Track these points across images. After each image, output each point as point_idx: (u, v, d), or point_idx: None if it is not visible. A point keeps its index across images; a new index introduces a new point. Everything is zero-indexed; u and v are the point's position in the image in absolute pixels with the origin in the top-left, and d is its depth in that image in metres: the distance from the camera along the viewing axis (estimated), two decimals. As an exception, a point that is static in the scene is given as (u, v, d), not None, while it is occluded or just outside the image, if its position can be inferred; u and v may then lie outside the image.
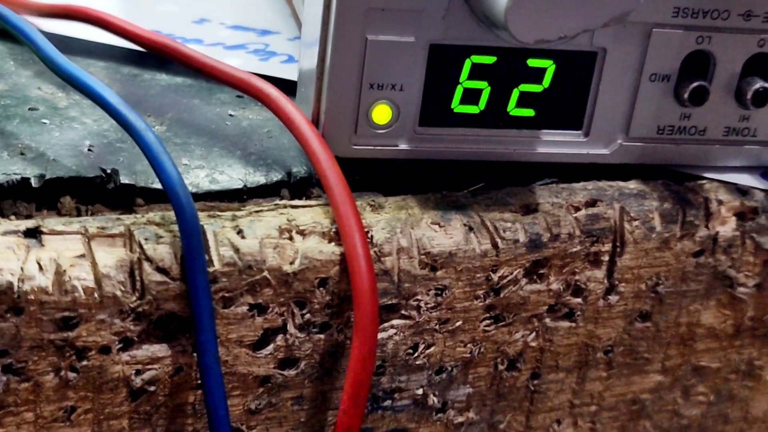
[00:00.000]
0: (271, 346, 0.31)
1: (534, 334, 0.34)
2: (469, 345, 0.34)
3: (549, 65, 0.34)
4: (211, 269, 0.30)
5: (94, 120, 0.35)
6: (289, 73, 0.39)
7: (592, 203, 0.34)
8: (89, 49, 0.41)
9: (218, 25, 0.44)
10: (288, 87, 0.35)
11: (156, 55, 0.39)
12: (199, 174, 0.33)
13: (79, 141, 0.34)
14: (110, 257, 0.29)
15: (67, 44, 0.39)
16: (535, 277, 0.34)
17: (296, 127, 0.33)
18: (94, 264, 0.29)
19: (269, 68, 0.40)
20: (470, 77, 0.34)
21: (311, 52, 0.33)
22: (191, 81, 0.39)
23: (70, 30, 0.41)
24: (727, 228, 0.36)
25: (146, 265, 0.29)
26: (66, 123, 0.35)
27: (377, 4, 0.32)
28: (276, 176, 0.34)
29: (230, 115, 0.37)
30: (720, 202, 0.36)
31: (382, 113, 0.33)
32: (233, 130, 0.36)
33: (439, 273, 0.32)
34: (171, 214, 0.31)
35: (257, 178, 0.33)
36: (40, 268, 0.29)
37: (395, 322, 0.33)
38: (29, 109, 0.36)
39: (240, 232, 0.31)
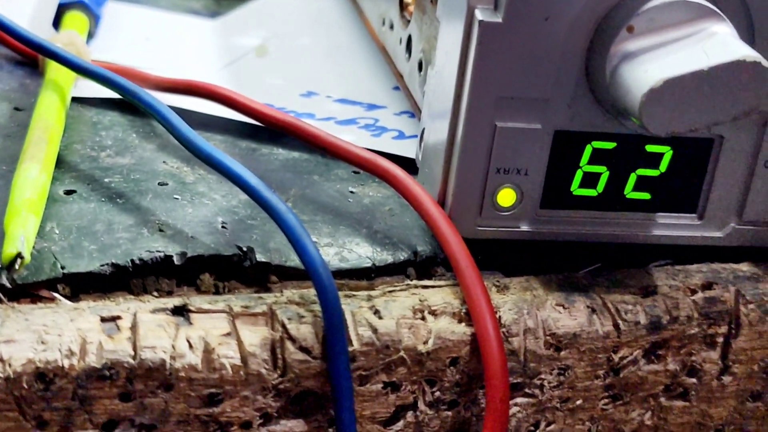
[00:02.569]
0: (401, 423, 0.32)
1: (650, 412, 0.35)
2: (587, 423, 0.35)
3: (666, 151, 0.35)
4: (350, 348, 0.31)
5: (223, 196, 0.37)
6: (401, 149, 0.41)
7: (708, 286, 0.35)
8: (205, 122, 0.42)
9: (325, 98, 0.46)
10: (400, 162, 0.36)
11: (270, 129, 0.40)
12: (329, 252, 0.34)
13: (212, 217, 0.35)
14: (255, 336, 0.30)
15: (185, 118, 0.40)
16: (653, 357, 0.34)
17: (425, 209, 0.34)
18: (240, 342, 0.30)
19: (382, 144, 0.41)
20: (590, 162, 0.35)
21: (437, 136, 0.35)
22: (307, 155, 0.41)
23: (185, 103, 0.42)
24: (836, 311, 0.36)
25: (289, 344, 0.31)
26: (197, 199, 0.36)
27: (507, 93, 0.33)
28: (402, 255, 0.35)
29: (351, 191, 0.38)
30: (830, 285, 0.37)
31: (506, 196, 0.34)
32: (356, 207, 0.37)
33: (563, 353, 0.33)
34: (309, 293, 0.32)
35: (385, 257, 0.35)
36: (190, 346, 0.30)
37: (519, 400, 0.33)
38: (159, 183, 0.37)
39: (377, 312, 0.32)
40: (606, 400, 0.35)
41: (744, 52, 0.31)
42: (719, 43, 0.31)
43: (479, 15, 0.32)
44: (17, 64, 0.46)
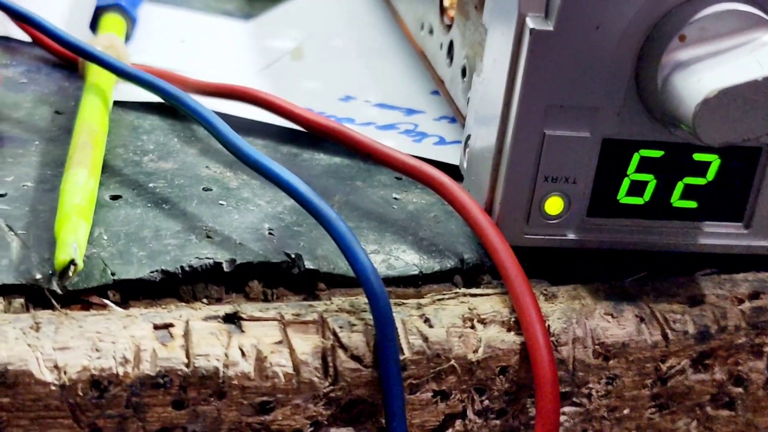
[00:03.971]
0: (450, 431, 0.32)
1: (695, 422, 0.35)
2: (633, 432, 0.35)
3: (714, 159, 0.35)
4: (401, 357, 0.31)
5: (267, 202, 0.37)
6: (443, 154, 0.40)
7: (755, 295, 0.35)
8: (245, 126, 0.42)
9: (363, 102, 0.46)
10: (442, 168, 0.36)
11: (309, 134, 0.40)
12: (376, 259, 0.34)
13: (259, 224, 0.35)
14: (306, 344, 0.30)
15: (226, 122, 0.40)
16: (700, 367, 0.34)
17: (473, 217, 0.34)
18: (292, 350, 0.30)
19: (423, 150, 0.41)
20: (638, 170, 0.35)
21: (484, 143, 0.35)
22: (348, 161, 0.40)
23: (226, 107, 0.42)
24: None
25: (340, 352, 0.31)
26: (242, 204, 0.36)
27: (557, 101, 0.33)
28: (449, 263, 0.35)
29: (395, 198, 0.38)
30: None
31: (554, 204, 0.34)
32: (400, 214, 0.37)
33: (611, 362, 0.33)
34: (359, 301, 0.32)
35: (431, 265, 0.35)
36: (243, 354, 0.30)
37: (567, 409, 0.33)
38: (203, 189, 0.37)
39: (427, 320, 0.32)
40: (653, 410, 0.35)
41: (798, 62, 0.30)
42: (773, 53, 0.31)
43: (531, 23, 0.32)
44: (54, 67, 0.46)
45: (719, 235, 0.36)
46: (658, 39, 0.32)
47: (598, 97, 0.33)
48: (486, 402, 0.32)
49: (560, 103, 0.33)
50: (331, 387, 0.30)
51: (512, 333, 0.32)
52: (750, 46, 0.31)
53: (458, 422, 0.32)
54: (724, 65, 0.31)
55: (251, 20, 0.55)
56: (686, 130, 0.31)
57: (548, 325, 0.33)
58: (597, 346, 0.33)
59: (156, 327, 0.30)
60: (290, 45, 0.51)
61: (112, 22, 0.47)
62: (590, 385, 0.33)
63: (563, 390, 0.33)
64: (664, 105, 0.32)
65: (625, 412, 0.34)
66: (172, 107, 0.40)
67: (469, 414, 0.32)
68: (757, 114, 0.31)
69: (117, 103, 0.43)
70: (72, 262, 0.30)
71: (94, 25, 0.48)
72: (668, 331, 0.34)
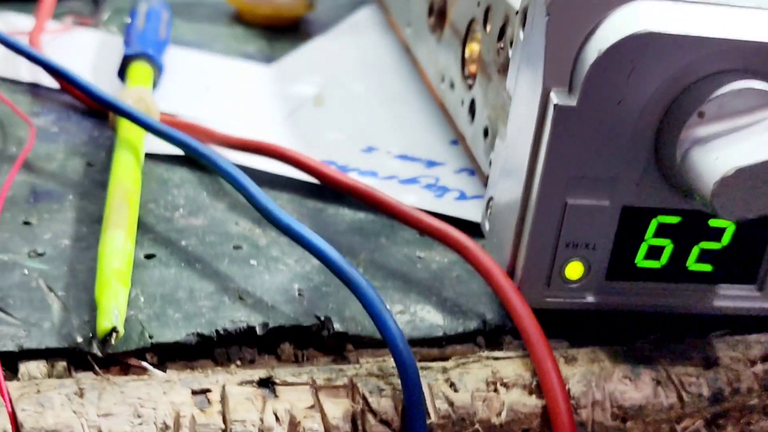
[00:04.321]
0: (474, 492, 0.34)
1: (709, 479, 0.36)
2: (649, 490, 0.36)
3: (729, 225, 0.36)
4: (428, 421, 0.32)
5: (296, 261, 0.38)
6: (464, 210, 0.42)
7: (767, 358, 0.36)
8: (272, 180, 0.43)
9: (385, 153, 0.47)
10: (463, 225, 0.38)
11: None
12: (402, 320, 0.36)
13: (289, 284, 0.36)
14: (337, 408, 0.32)
15: (252, 176, 0.41)
16: (714, 427, 0.36)
17: (495, 280, 0.35)
18: (323, 415, 0.31)
19: (445, 206, 0.42)
20: (655, 235, 0.36)
21: (507, 209, 0.36)
22: (372, 216, 0.42)
23: (252, 161, 0.43)
24: None
25: (370, 417, 0.32)
26: (272, 264, 0.37)
27: (578, 172, 0.34)
28: (472, 324, 0.36)
29: (419, 257, 0.39)
30: None
31: (574, 270, 0.36)
32: (424, 273, 0.38)
33: (628, 424, 0.34)
34: (387, 365, 0.33)
35: (455, 326, 0.36)
36: (277, 418, 0.31)
37: (585, 468, 0.35)
38: (234, 247, 0.38)
39: (452, 385, 0.33)
40: (668, 468, 0.36)
41: (813, 142, 0.32)
42: (789, 132, 0.32)
43: (555, 99, 0.33)
44: (84, 114, 0.48)
45: (733, 297, 0.37)
46: (677, 114, 0.33)
47: (618, 169, 0.34)
48: (508, 463, 0.34)
49: (582, 174, 0.34)
50: (361, 450, 0.32)
51: (534, 396, 0.33)
52: (766, 123, 0.33)
53: (481, 483, 0.34)
54: (742, 143, 0.32)
55: (273, 64, 0.56)
56: (703, 203, 0.32)
57: (568, 389, 0.34)
58: (615, 409, 0.34)
59: (194, 392, 0.31)
60: (312, 90, 0.53)
61: (141, 71, 0.48)
62: (608, 446, 0.35)
63: (582, 451, 0.34)
64: (682, 178, 0.33)
65: (642, 470, 0.35)
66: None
67: (492, 474, 0.34)
68: (773, 192, 0.32)
69: (147, 155, 0.44)
70: (114, 329, 0.31)
71: (122, 73, 0.49)
72: (683, 393, 0.35)
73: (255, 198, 0.37)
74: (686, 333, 0.37)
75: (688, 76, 0.33)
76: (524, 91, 0.35)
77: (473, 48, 0.44)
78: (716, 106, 0.33)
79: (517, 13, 0.37)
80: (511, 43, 0.38)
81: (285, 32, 0.61)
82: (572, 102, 0.33)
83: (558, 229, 0.35)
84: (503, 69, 0.39)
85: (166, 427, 0.30)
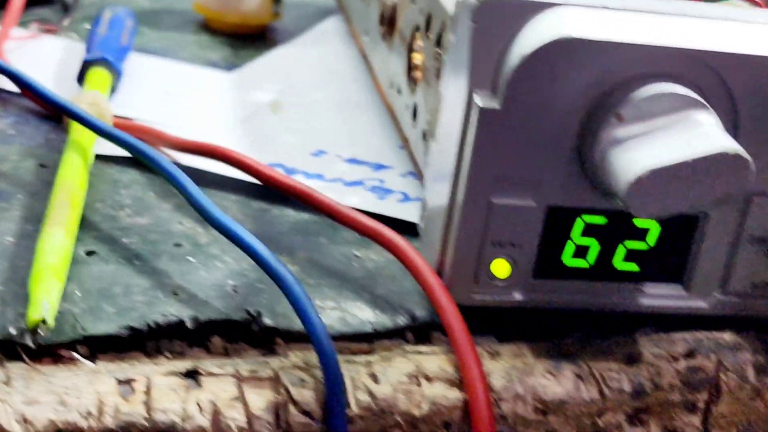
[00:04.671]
0: (396, 483, 0.34)
1: (633, 474, 0.37)
2: (573, 483, 0.37)
3: (654, 226, 0.37)
4: (349, 412, 0.33)
5: (234, 258, 0.39)
6: (405, 212, 0.43)
7: (690, 354, 0.37)
8: (221, 182, 0.44)
9: (335, 157, 0.48)
10: (404, 226, 0.39)
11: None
12: (333, 316, 0.37)
13: (224, 281, 0.37)
14: (260, 399, 0.33)
15: (200, 177, 0.42)
16: (636, 421, 0.36)
17: (423, 278, 0.36)
18: (246, 406, 0.32)
19: (387, 207, 0.43)
20: (582, 235, 0.37)
21: (437, 208, 0.37)
22: (316, 217, 0.43)
23: (204, 164, 0.44)
24: (814, 379, 0.38)
25: (292, 408, 0.33)
26: (209, 261, 0.38)
27: (503, 173, 0.35)
28: (401, 321, 0.37)
29: (356, 255, 0.40)
30: (809, 355, 0.39)
31: (501, 268, 0.36)
32: (360, 271, 0.39)
33: (550, 418, 0.35)
34: (311, 357, 0.34)
35: (385, 322, 0.37)
36: (200, 409, 0.32)
37: (508, 462, 0.36)
38: (174, 245, 0.39)
39: (374, 377, 0.34)
40: (591, 462, 0.37)
41: (726, 143, 0.33)
42: (703, 135, 0.33)
43: (478, 101, 0.34)
44: (42, 119, 0.49)
45: (660, 296, 0.38)
46: (597, 117, 0.34)
47: (542, 170, 0.35)
48: (431, 454, 0.34)
49: (507, 175, 0.35)
50: (283, 440, 0.33)
51: (456, 390, 0.34)
52: (682, 126, 0.34)
53: (404, 474, 0.34)
54: (657, 145, 0.33)
55: (234, 71, 0.57)
56: (620, 202, 0.33)
57: (490, 382, 0.35)
58: (537, 403, 0.35)
59: (120, 382, 0.32)
60: (270, 97, 0.54)
61: (99, 76, 0.50)
62: (531, 440, 0.35)
63: (505, 444, 0.35)
64: (602, 178, 0.34)
65: (565, 464, 0.36)
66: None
67: (415, 466, 0.34)
68: (685, 191, 0.33)
69: (100, 157, 0.45)
70: (43, 321, 0.32)
71: (81, 78, 0.50)
72: (604, 388, 0.36)
73: (191, 195, 0.38)
74: (613, 331, 0.38)
75: (608, 80, 0.34)
76: (452, 94, 0.36)
77: (417, 55, 0.45)
78: (634, 108, 0.34)
79: (451, 19, 0.38)
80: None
81: (251, 40, 0.62)
82: (496, 105, 0.34)
83: (484, 228, 0.36)
84: (440, 74, 0.40)
85: (90, 414, 0.31)
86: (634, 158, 0.33)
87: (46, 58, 0.55)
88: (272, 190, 0.44)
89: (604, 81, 0.34)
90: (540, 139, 0.35)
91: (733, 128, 0.35)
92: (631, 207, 0.33)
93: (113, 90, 0.51)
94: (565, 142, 0.35)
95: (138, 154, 0.41)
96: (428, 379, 0.34)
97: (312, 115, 0.52)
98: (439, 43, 0.41)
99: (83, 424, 0.31)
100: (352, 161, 0.48)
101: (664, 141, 0.33)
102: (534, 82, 0.34)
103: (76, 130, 0.43)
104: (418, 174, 0.44)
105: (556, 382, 0.35)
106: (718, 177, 0.33)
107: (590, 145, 0.35)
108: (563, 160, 0.35)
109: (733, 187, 0.33)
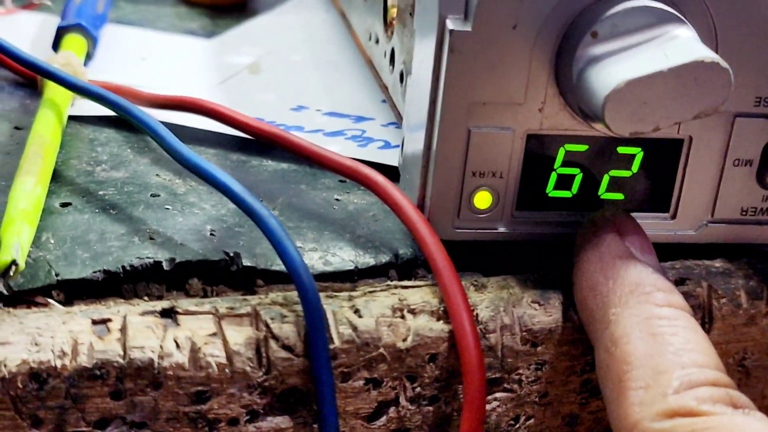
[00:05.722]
0: (384, 418, 0.34)
1: (627, 405, 0.36)
2: (566, 417, 0.36)
3: (638, 152, 0.36)
4: (331, 346, 0.32)
5: (212, 205, 0.38)
6: (387, 158, 0.42)
7: (681, 282, 0.36)
8: (197, 137, 0.43)
9: (315, 111, 0.47)
10: (386, 171, 0.38)
11: (261, 142, 0.42)
12: (313, 256, 0.36)
13: (201, 226, 0.37)
14: (240, 335, 0.32)
15: (177, 132, 0.41)
16: (628, 351, 0.36)
17: (404, 212, 0.35)
18: (225, 342, 0.32)
19: (368, 154, 0.42)
20: (564, 164, 0.36)
21: (416, 142, 0.36)
22: (296, 167, 0.42)
23: (179, 119, 0.44)
24: (809, 304, 0.38)
25: (272, 343, 0.32)
26: (187, 209, 0.38)
27: (479, 98, 0.34)
28: (384, 258, 0.36)
29: (336, 199, 0.40)
30: (802, 279, 0.38)
31: (483, 199, 0.36)
32: (341, 213, 0.39)
33: (539, 349, 0.35)
34: (292, 295, 0.33)
35: (367, 260, 0.36)
36: (177, 345, 0.31)
37: (498, 395, 0.35)
38: (151, 195, 0.39)
39: (357, 311, 0.33)
40: (584, 394, 0.36)
41: (703, 52, 0.32)
42: (679, 45, 0.32)
43: (450, 24, 0.34)
44: (18, 86, 0.48)
45: (646, 225, 0.37)
46: (573, 36, 0.34)
47: (519, 94, 0.35)
48: (418, 389, 0.34)
49: (483, 101, 0.34)
50: (265, 376, 0.32)
51: (441, 322, 0.34)
52: (659, 40, 0.33)
53: (392, 409, 0.34)
54: (633, 58, 0.32)
55: (213, 38, 0.56)
56: (598, 120, 0.33)
57: (476, 314, 0.34)
58: (525, 333, 0.34)
59: (94, 322, 0.31)
60: (249, 60, 0.53)
61: (73, 41, 0.49)
62: (520, 371, 0.35)
63: (494, 376, 0.34)
64: (579, 99, 0.34)
65: (556, 397, 0.35)
66: (125, 120, 0.42)
67: (402, 401, 0.34)
68: (665, 104, 0.32)
69: (76, 118, 0.44)
70: (14, 262, 0.31)
71: (56, 45, 0.50)
72: (594, 316, 0.35)
73: (166, 140, 0.37)
74: (600, 262, 0.37)
75: (582, -1, 0.34)
76: (425, 24, 0.35)
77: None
78: (609, 25, 0.33)
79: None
80: (417, -18, 0.38)
81: (231, 11, 0.61)
82: (467, 27, 0.33)
83: (464, 158, 0.35)
84: (414, 11, 0.39)
85: (64, 354, 0.30)
86: (610, 73, 0.32)
87: (24, 31, 0.54)
88: (251, 143, 0.43)
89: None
90: (515, 62, 0.34)
91: (713, 45, 0.35)
92: (610, 123, 0.32)
93: (89, 57, 0.50)
94: (542, 64, 0.34)
95: (112, 106, 0.40)
96: (412, 312, 0.34)
97: (291, 74, 0.52)
98: (413, -18, 0.40)
99: (57, 363, 0.30)
100: (333, 114, 0.47)
101: (641, 55, 0.33)
102: (505, 1, 0.33)
103: (51, 89, 0.43)
104: (398, 121, 0.43)
105: (544, 312, 0.35)
106: (697, 88, 0.32)
107: (567, 67, 0.34)
108: (540, 84, 0.35)
109: (713, 99, 0.32)
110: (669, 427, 0.29)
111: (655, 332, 0.31)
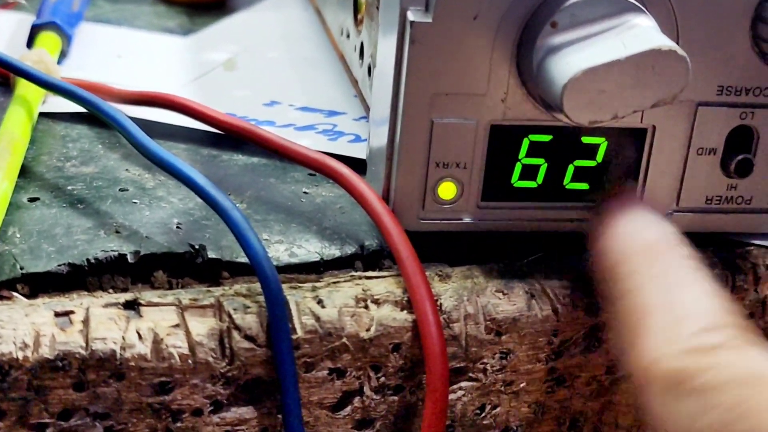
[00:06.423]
0: (348, 408, 0.34)
1: (594, 394, 0.37)
2: (533, 405, 0.36)
3: (602, 142, 0.37)
4: (294, 336, 0.32)
5: (180, 199, 0.38)
6: (357, 151, 0.42)
7: (645, 270, 0.37)
8: (170, 132, 0.44)
9: (288, 107, 0.47)
10: (355, 164, 0.38)
11: (232, 137, 0.42)
12: (279, 248, 0.36)
13: (168, 219, 0.37)
14: (202, 326, 0.32)
15: (149, 128, 0.41)
16: (592, 340, 0.36)
17: (369, 204, 0.35)
18: (188, 333, 0.32)
19: (338, 147, 0.43)
20: (528, 154, 0.36)
21: (381, 134, 0.36)
22: (266, 161, 0.42)
23: (152, 115, 0.44)
24: (775, 292, 0.38)
25: (235, 334, 0.32)
26: (154, 202, 0.38)
27: (442, 89, 0.35)
28: (350, 249, 0.36)
29: (305, 192, 0.40)
30: None
31: (447, 190, 0.36)
32: (308, 206, 0.39)
33: (503, 338, 0.35)
34: (256, 286, 0.33)
35: (333, 252, 0.36)
36: (140, 337, 0.31)
37: (463, 384, 0.35)
38: (120, 189, 0.39)
39: (320, 302, 0.33)
40: (550, 383, 0.36)
41: (660, 41, 0.32)
42: (637, 34, 0.33)
43: (411, 16, 0.34)
44: (-8, 84, 0.48)
45: (612, 214, 0.38)
46: (533, 26, 0.34)
47: (481, 85, 0.35)
48: (382, 379, 0.34)
49: (445, 91, 0.35)
50: (228, 367, 0.32)
51: (405, 312, 0.34)
52: (618, 29, 0.33)
53: (356, 399, 0.34)
54: (591, 47, 0.33)
55: (190, 36, 0.56)
56: (558, 110, 0.33)
57: (440, 303, 0.34)
58: (488, 322, 0.34)
59: (57, 314, 0.31)
60: (225, 57, 0.53)
61: (47, 39, 0.49)
62: (485, 360, 0.35)
63: (459, 365, 0.34)
64: (540, 89, 0.34)
65: (522, 385, 0.36)
66: (95, 116, 0.42)
67: (367, 391, 0.34)
68: (623, 92, 0.32)
69: (48, 115, 0.44)
70: (-24, 255, 0.32)
71: (30, 44, 0.50)
72: (558, 305, 0.35)
73: (132, 135, 0.37)
74: (565, 251, 0.37)
75: (542, -11, 0.34)
76: (388, 16, 0.36)
77: (362, -3, 0.45)
78: (568, 15, 0.33)
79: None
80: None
81: (209, 9, 0.62)
82: (428, 18, 0.34)
83: (427, 150, 0.35)
84: (380, 4, 0.39)
85: (26, 346, 0.30)
86: (568, 63, 0.32)
87: (0, 30, 0.55)
88: (223, 138, 0.43)
89: (538, -10, 0.34)
90: (477, 53, 0.34)
91: (674, 34, 0.35)
92: (569, 112, 0.32)
93: (64, 55, 0.51)
94: (504, 55, 0.35)
95: (81, 102, 0.40)
96: (376, 302, 0.34)
97: (266, 71, 0.52)
98: (379, -25, 0.40)
99: (19, 355, 0.30)
100: (305, 109, 0.47)
101: (599, 44, 0.33)
102: (466, -7, 0.34)
103: (22, 86, 0.43)
104: (367, 113, 0.43)
105: (508, 301, 0.35)
106: (655, 76, 0.32)
107: (528, 57, 0.34)
108: (503, 75, 0.35)
109: (671, 87, 0.32)
110: (691, 362, 0.29)
111: (672, 281, 0.31)
